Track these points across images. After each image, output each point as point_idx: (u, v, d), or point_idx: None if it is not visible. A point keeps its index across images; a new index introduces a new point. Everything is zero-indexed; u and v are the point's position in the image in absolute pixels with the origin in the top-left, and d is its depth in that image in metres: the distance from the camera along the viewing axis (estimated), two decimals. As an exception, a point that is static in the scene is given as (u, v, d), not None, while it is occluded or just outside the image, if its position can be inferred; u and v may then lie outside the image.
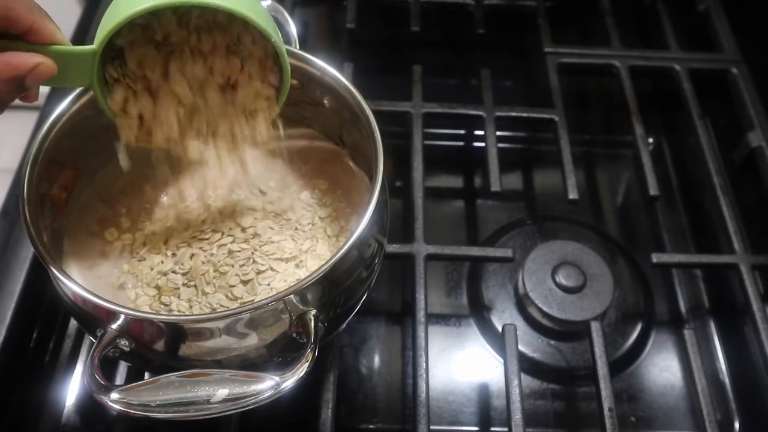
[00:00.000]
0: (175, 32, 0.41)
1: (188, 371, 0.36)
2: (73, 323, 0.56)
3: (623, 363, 0.59)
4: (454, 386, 0.58)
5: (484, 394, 0.57)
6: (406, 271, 0.62)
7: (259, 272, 0.45)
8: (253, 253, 0.45)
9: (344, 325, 0.47)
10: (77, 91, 0.44)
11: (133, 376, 0.53)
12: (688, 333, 0.54)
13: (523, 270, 0.60)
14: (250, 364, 0.41)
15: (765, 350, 0.54)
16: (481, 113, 0.67)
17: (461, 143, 0.76)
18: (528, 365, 0.58)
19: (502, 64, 0.79)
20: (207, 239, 0.46)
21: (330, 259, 0.39)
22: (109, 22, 0.37)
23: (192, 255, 0.46)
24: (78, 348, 0.55)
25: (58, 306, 0.55)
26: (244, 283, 0.45)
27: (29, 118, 0.57)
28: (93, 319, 0.39)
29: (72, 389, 0.54)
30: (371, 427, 0.55)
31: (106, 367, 0.37)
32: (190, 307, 0.44)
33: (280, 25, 0.50)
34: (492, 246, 0.64)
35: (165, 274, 0.45)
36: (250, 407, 0.35)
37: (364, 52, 0.78)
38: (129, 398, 0.35)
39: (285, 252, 0.46)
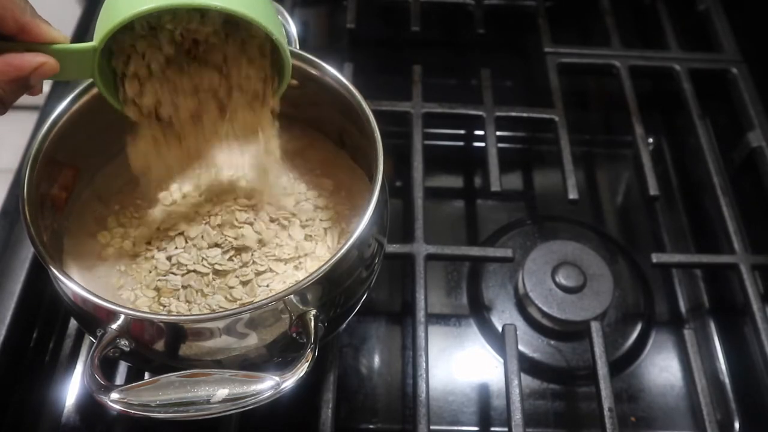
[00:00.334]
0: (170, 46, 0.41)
1: (188, 371, 0.36)
2: (73, 323, 0.56)
3: (623, 363, 0.59)
4: (454, 386, 0.58)
5: (484, 394, 0.57)
6: (406, 271, 0.61)
7: (258, 273, 0.45)
8: (252, 254, 0.45)
9: (344, 325, 0.47)
10: (77, 91, 0.44)
11: (133, 376, 0.53)
12: (688, 333, 0.54)
13: (523, 270, 0.60)
14: (250, 364, 0.41)
15: (765, 350, 0.54)
16: (481, 113, 0.67)
17: (461, 143, 0.76)
18: (528, 365, 0.58)
19: (502, 64, 0.79)
20: (206, 240, 0.46)
21: (330, 259, 0.39)
22: (110, 18, 0.37)
23: (191, 256, 0.46)
24: (78, 348, 0.55)
25: (58, 306, 0.55)
26: (244, 284, 0.45)
27: (29, 118, 0.57)
28: (93, 319, 0.39)
29: (72, 389, 0.54)
30: (371, 427, 0.55)
31: (106, 367, 0.37)
32: (189, 309, 0.44)
33: (280, 26, 0.50)
34: (492, 246, 0.64)
35: (164, 275, 0.45)
36: (250, 407, 0.35)
37: (364, 52, 0.78)
38: (129, 398, 0.35)
39: (284, 253, 0.46)
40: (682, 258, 0.60)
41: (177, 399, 0.35)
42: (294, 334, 0.40)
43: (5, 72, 0.35)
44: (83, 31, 0.71)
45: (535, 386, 0.58)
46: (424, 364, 0.51)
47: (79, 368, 0.54)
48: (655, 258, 0.59)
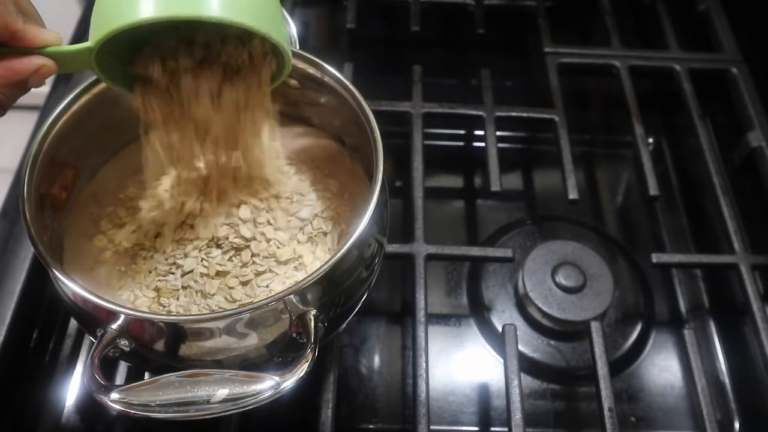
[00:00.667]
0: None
1: (188, 371, 0.36)
2: (73, 323, 0.56)
3: (623, 363, 0.59)
4: (454, 386, 0.58)
5: (484, 394, 0.57)
6: (406, 271, 0.61)
7: (258, 274, 0.45)
8: (252, 255, 0.45)
9: (344, 325, 0.47)
10: (77, 91, 0.44)
11: (133, 376, 0.53)
12: (688, 333, 0.54)
13: (523, 270, 0.60)
14: (250, 364, 0.41)
15: (765, 350, 0.54)
16: (481, 113, 0.67)
17: (461, 143, 0.76)
18: (528, 365, 0.58)
19: (502, 64, 0.79)
20: (206, 240, 0.46)
21: (330, 259, 0.39)
22: (109, 19, 0.37)
23: (191, 256, 0.46)
24: (78, 348, 0.55)
25: (58, 306, 0.55)
26: (243, 284, 0.45)
27: (29, 118, 0.57)
28: (93, 319, 0.39)
29: (72, 389, 0.54)
30: (371, 427, 0.55)
31: (106, 367, 0.37)
32: (189, 309, 0.44)
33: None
34: (492, 246, 0.64)
35: (164, 275, 0.45)
36: (250, 407, 0.35)
37: (364, 52, 0.79)
38: (129, 398, 0.35)
39: (284, 254, 0.46)
40: (682, 258, 0.60)
41: (177, 399, 0.35)
42: (294, 334, 0.40)
43: (5, 76, 0.35)
44: (83, 31, 0.71)
45: (535, 386, 0.58)
46: (424, 364, 0.51)
47: (79, 368, 0.54)
48: (655, 258, 0.59)
